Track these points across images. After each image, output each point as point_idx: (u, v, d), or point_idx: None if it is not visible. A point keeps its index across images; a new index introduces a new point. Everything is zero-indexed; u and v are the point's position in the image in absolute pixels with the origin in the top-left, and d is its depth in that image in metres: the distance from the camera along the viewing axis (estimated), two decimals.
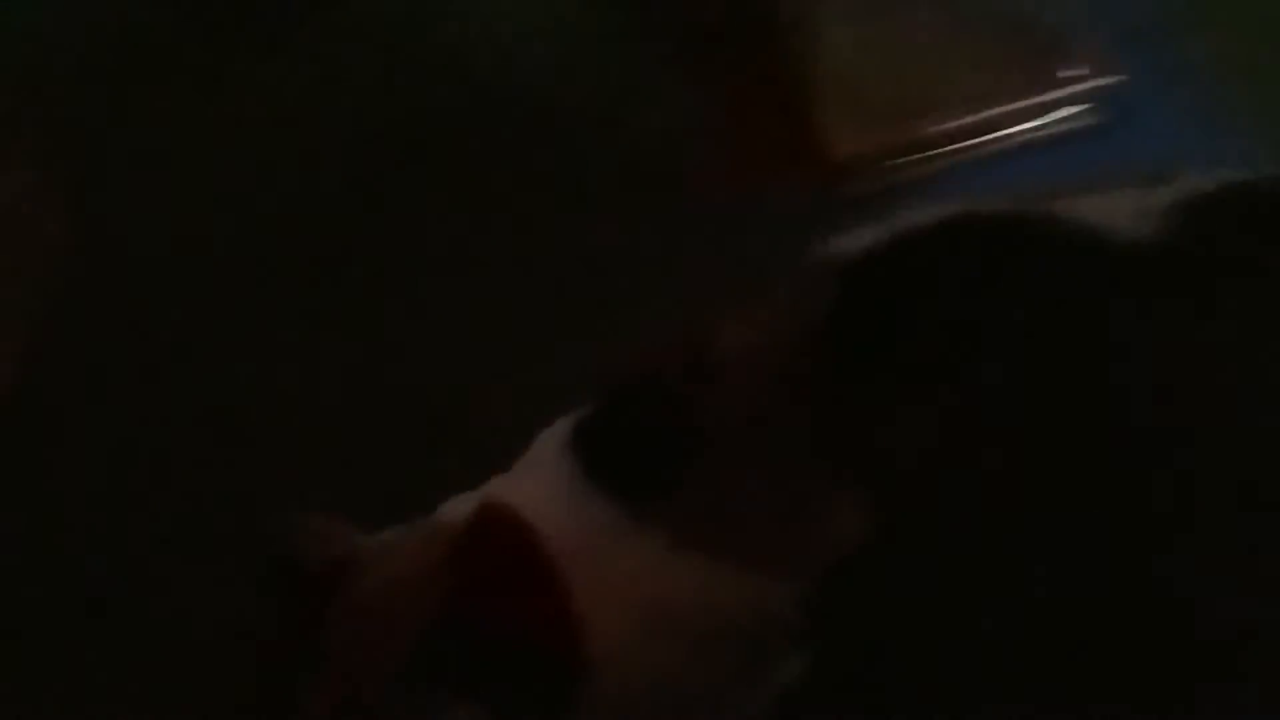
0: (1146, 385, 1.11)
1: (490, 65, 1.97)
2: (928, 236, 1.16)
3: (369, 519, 1.23)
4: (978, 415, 1.11)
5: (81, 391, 1.72)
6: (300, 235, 1.83)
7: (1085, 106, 1.84)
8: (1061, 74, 1.85)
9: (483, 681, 1.08)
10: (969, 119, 1.84)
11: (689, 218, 1.79)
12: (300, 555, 1.19)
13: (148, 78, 1.98)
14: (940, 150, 1.83)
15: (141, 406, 1.70)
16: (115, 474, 1.65)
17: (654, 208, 1.80)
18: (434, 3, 2.06)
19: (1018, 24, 1.89)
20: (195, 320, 1.77)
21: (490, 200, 1.84)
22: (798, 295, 1.17)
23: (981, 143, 1.82)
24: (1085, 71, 1.85)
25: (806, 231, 1.20)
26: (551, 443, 1.21)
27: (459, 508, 1.18)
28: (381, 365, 1.72)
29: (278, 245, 1.81)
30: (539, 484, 1.17)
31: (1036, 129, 1.83)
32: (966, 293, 1.14)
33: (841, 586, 1.11)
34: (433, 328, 1.75)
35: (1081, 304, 1.12)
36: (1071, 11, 1.90)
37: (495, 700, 1.08)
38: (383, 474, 1.58)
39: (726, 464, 1.13)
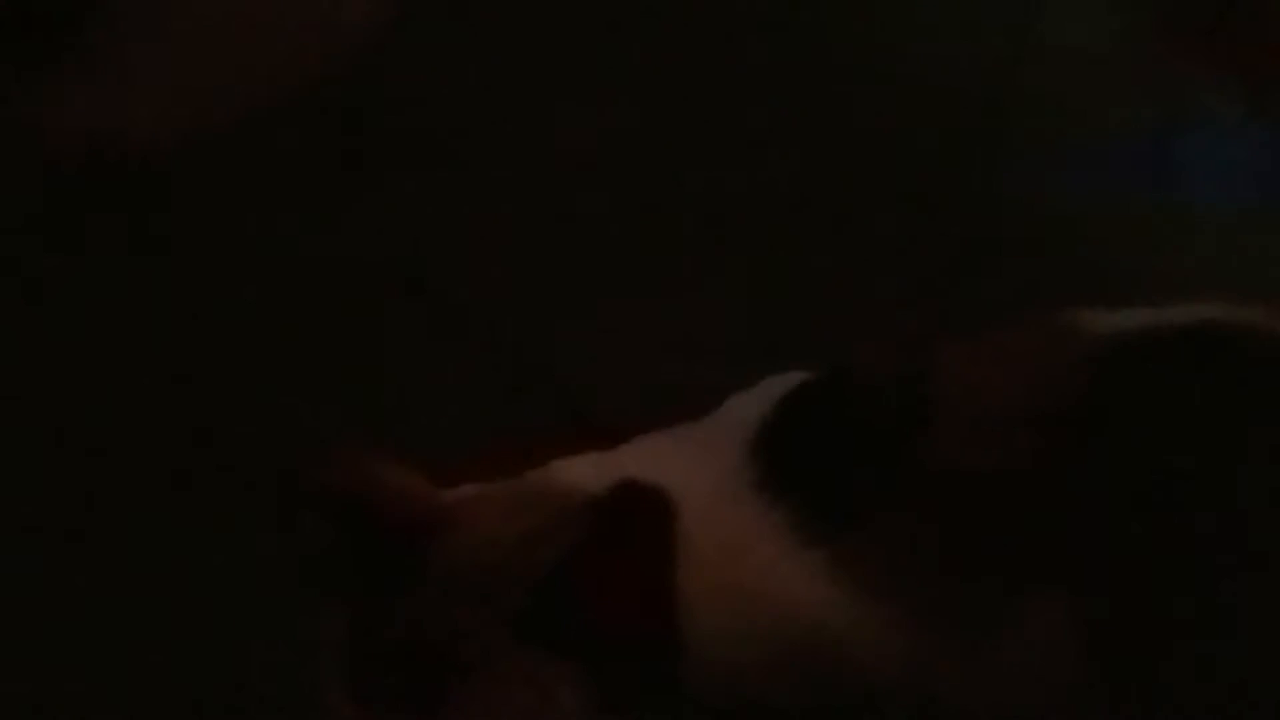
0: None
1: None
2: (1183, 345, 1.12)
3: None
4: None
5: None
6: None
7: None
8: None
9: (583, 645, 1.06)
10: None
11: None
12: (377, 504, 1.11)
13: None
14: None
15: None
16: None
17: None
18: None
19: None
20: None
21: None
22: (1048, 355, 1.13)
23: None
24: None
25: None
26: (735, 427, 1.15)
27: (580, 470, 1.14)
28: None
29: None
30: (703, 467, 1.12)
31: None
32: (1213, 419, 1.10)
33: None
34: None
35: None
36: None
37: (596, 663, 1.06)
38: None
39: (926, 515, 1.09)
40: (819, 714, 1.11)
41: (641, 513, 1.04)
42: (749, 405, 1.16)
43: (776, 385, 1.16)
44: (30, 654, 1.43)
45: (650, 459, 1.14)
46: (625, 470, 1.08)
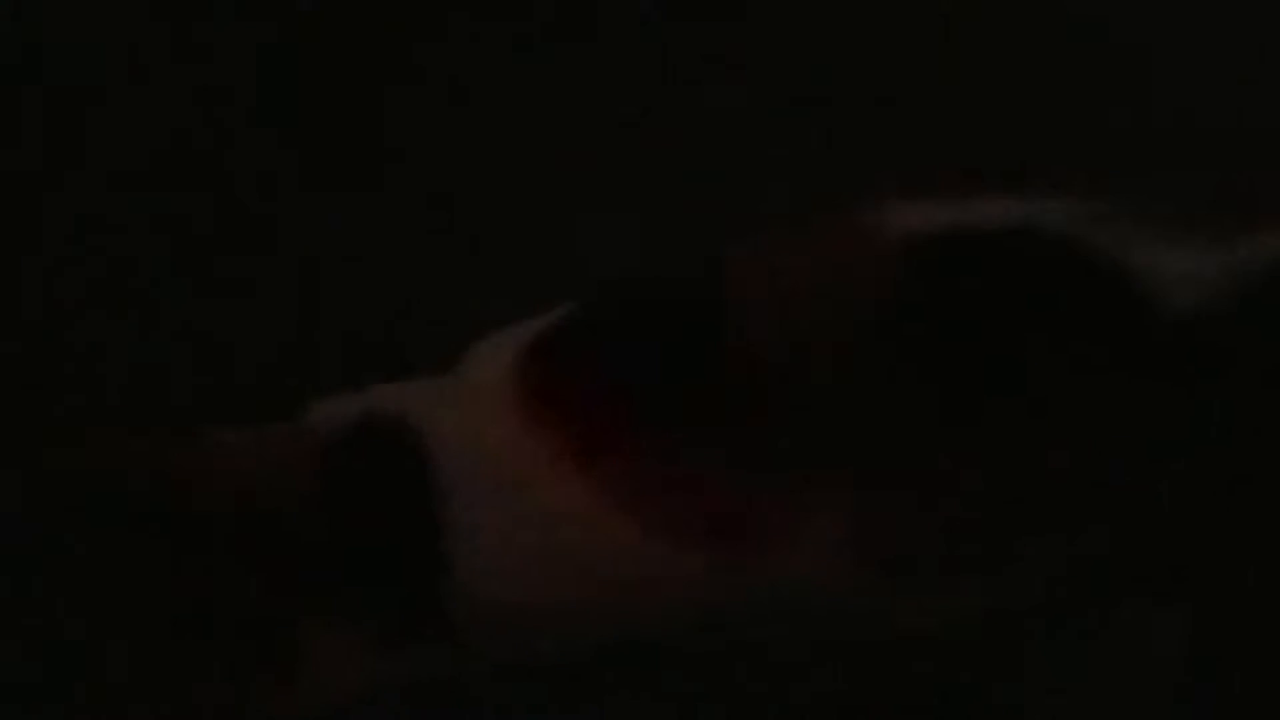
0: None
1: None
2: (995, 243, 1.09)
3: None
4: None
5: None
6: None
7: None
8: None
9: (343, 586, 1.07)
10: None
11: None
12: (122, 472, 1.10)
13: None
14: None
15: None
16: None
17: None
18: None
19: None
20: None
21: None
22: (849, 256, 1.09)
23: None
24: None
25: None
26: (496, 354, 1.11)
27: (339, 409, 1.11)
28: None
29: None
30: (472, 395, 1.08)
31: None
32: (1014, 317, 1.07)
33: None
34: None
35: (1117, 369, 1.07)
36: None
37: (360, 600, 1.07)
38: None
39: (714, 424, 1.05)
40: (598, 657, 1.10)
41: (380, 451, 1.05)
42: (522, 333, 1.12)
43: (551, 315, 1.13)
44: None
45: (417, 393, 1.12)
46: (390, 404, 1.08)
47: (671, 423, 1.06)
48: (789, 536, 1.05)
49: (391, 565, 1.08)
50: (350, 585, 1.07)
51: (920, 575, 1.07)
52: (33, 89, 1.65)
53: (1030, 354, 1.06)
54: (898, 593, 1.07)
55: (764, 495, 1.05)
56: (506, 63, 1.67)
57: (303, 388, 1.19)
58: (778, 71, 1.64)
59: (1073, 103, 1.59)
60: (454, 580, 1.08)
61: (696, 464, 1.06)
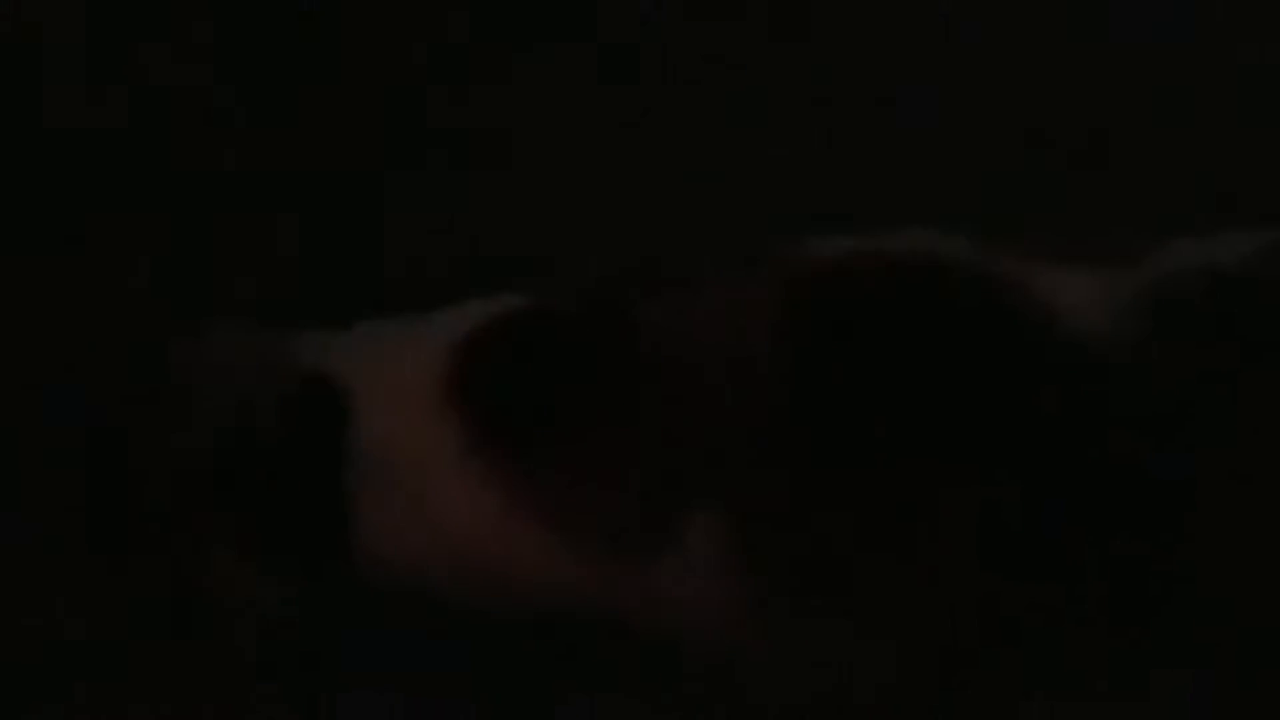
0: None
1: None
2: (896, 273, 1.11)
3: None
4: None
5: None
6: None
7: None
8: None
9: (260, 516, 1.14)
10: None
11: None
12: None
13: None
14: None
15: None
16: None
17: None
18: None
19: None
20: None
21: None
22: (754, 287, 1.13)
23: None
24: None
25: None
26: (446, 328, 1.16)
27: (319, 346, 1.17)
28: None
29: None
30: (402, 362, 1.14)
31: None
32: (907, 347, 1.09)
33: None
34: None
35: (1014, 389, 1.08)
36: None
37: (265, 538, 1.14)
38: None
39: (607, 433, 1.10)
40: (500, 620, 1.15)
41: (313, 407, 1.11)
42: (470, 311, 1.17)
43: (489, 304, 1.17)
44: None
45: (365, 345, 1.17)
46: (341, 353, 1.15)
47: (572, 426, 1.12)
48: (673, 545, 1.09)
49: (304, 510, 1.15)
50: (266, 518, 1.15)
51: (808, 596, 1.09)
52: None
53: (919, 380, 1.08)
54: (790, 613, 1.10)
55: (651, 503, 1.10)
56: (506, 62, 1.67)
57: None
58: (777, 71, 1.63)
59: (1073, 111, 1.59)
60: (356, 536, 1.14)
61: (588, 466, 1.11)
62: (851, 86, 1.62)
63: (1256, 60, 1.61)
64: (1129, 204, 1.48)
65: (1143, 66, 1.60)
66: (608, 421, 1.11)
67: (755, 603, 1.09)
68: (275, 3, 1.69)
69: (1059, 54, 1.63)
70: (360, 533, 1.13)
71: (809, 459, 1.08)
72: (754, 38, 1.68)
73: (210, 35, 1.68)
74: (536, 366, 1.13)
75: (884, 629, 1.09)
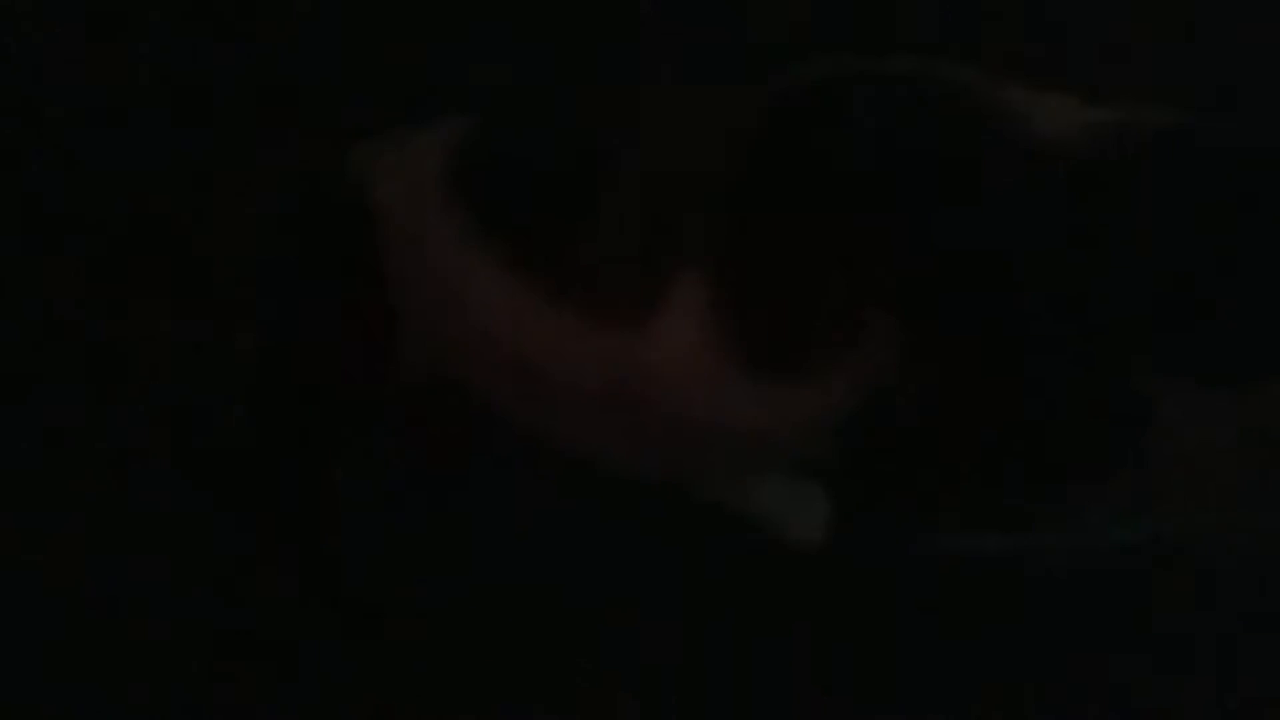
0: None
1: None
2: (874, 74, 1.22)
3: None
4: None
5: None
6: None
7: None
8: None
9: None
10: None
11: None
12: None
13: None
14: None
15: None
16: None
17: None
18: None
19: None
20: None
21: None
22: (723, 114, 1.23)
23: None
24: None
25: None
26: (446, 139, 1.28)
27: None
28: None
29: None
30: (412, 165, 1.28)
31: None
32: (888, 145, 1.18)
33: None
34: None
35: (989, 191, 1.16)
36: None
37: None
38: None
39: (615, 226, 1.20)
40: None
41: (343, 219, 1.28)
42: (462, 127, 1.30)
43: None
44: None
45: (390, 152, 1.31)
46: (373, 159, 1.31)
47: (557, 215, 1.23)
48: (660, 307, 1.19)
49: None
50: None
51: (790, 361, 1.18)
52: None
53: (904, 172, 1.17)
54: (775, 378, 1.18)
55: (636, 274, 1.20)
56: (506, 63, 1.67)
57: None
58: (776, 71, 1.63)
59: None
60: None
61: (576, 243, 1.21)
62: None
63: None
64: None
65: None
66: (603, 191, 1.22)
67: (733, 361, 1.18)
68: None
69: None
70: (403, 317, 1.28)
71: (777, 222, 1.18)
72: None
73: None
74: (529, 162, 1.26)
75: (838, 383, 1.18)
